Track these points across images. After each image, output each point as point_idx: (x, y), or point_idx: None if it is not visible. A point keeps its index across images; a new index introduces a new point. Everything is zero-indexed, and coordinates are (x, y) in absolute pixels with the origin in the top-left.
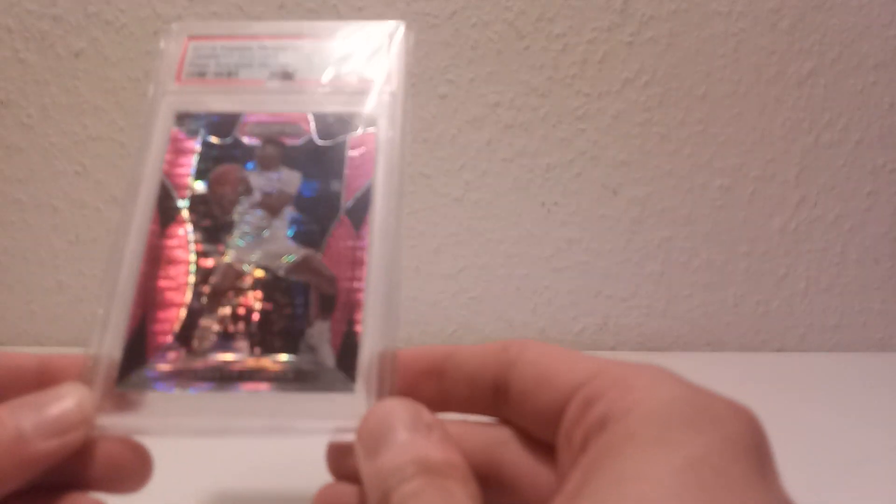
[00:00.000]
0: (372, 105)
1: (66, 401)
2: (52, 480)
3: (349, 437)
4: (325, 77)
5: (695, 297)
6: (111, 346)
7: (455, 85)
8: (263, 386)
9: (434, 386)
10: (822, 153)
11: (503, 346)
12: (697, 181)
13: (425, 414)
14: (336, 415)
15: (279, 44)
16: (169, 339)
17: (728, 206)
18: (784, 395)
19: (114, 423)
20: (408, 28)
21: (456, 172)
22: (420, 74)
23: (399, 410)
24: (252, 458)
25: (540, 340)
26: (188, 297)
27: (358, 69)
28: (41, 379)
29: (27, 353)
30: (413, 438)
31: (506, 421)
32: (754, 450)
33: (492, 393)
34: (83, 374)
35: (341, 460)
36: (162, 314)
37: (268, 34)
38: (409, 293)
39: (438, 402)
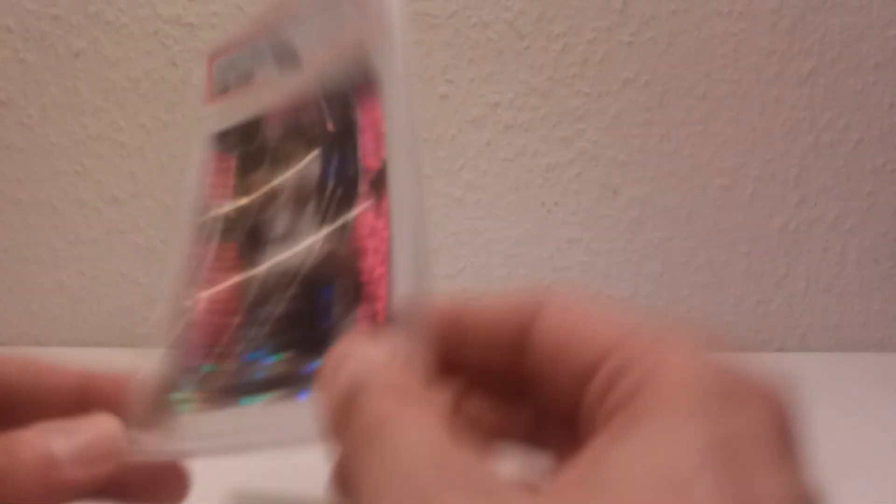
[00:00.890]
0: (374, 69)
1: (100, 429)
2: (94, 496)
3: None
4: (327, 47)
5: (695, 297)
6: (158, 365)
7: (455, 85)
8: (297, 395)
9: (448, 341)
10: (822, 153)
11: (526, 295)
12: (697, 181)
13: (421, 362)
14: None
15: (281, 24)
16: (212, 359)
17: (728, 206)
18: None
19: (155, 445)
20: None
21: (456, 172)
22: (420, 74)
23: (382, 345)
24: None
25: None
26: (232, 313)
27: (356, 36)
28: (81, 399)
29: (69, 367)
30: (394, 371)
31: (522, 393)
32: (781, 435)
33: (511, 351)
34: (127, 395)
35: None
36: (204, 333)
37: (267, 24)
38: None
39: (452, 360)
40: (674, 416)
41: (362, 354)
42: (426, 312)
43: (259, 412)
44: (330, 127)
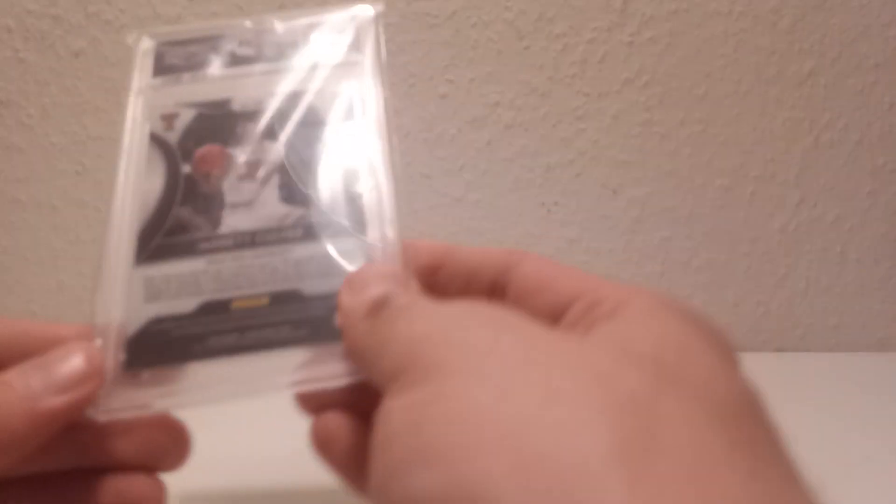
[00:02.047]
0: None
1: (74, 357)
2: (88, 462)
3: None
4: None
5: (695, 297)
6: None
7: (455, 85)
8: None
9: (431, 278)
10: (822, 153)
11: (506, 251)
12: (697, 181)
13: (414, 282)
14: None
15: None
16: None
17: (728, 206)
18: (784, 395)
19: (130, 398)
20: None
21: (456, 172)
22: (420, 74)
23: (389, 268)
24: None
25: None
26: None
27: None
28: (51, 345)
29: (60, 325)
30: (402, 285)
31: None
32: (734, 350)
33: (487, 291)
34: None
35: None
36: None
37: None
38: None
39: (431, 293)
40: (659, 317)
41: (381, 275)
42: (407, 252)
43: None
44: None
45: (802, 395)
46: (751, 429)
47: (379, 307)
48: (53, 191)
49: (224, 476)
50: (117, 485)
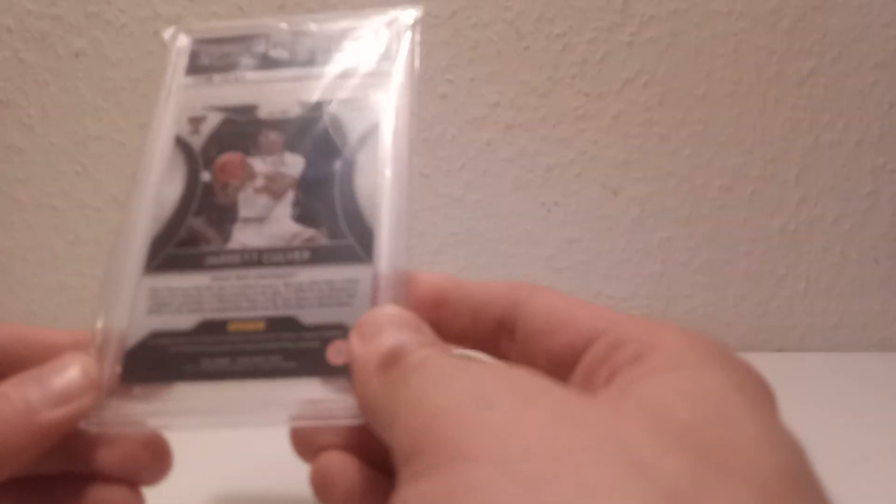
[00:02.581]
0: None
1: (70, 370)
2: (73, 468)
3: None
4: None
5: (695, 297)
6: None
7: (455, 85)
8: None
9: (436, 314)
10: (822, 153)
11: (513, 285)
12: (697, 181)
13: (427, 327)
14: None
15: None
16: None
17: (728, 206)
18: (784, 395)
19: (125, 414)
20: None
21: (456, 172)
22: (420, 74)
23: (402, 312)
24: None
25: None
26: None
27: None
28: (47, 353)
29: (58, 332)
30: (416, 331)
31: (502, 359)
32: (773, 395)
33: (494, 328)
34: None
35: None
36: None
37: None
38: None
39: (437, 331)
40: (692, 367)
41: (395, 320)
42: (410, 286)
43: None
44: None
45: (802, 395)
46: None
47: (392, 361)
48: (53, 191)
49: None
50: (98, 494)
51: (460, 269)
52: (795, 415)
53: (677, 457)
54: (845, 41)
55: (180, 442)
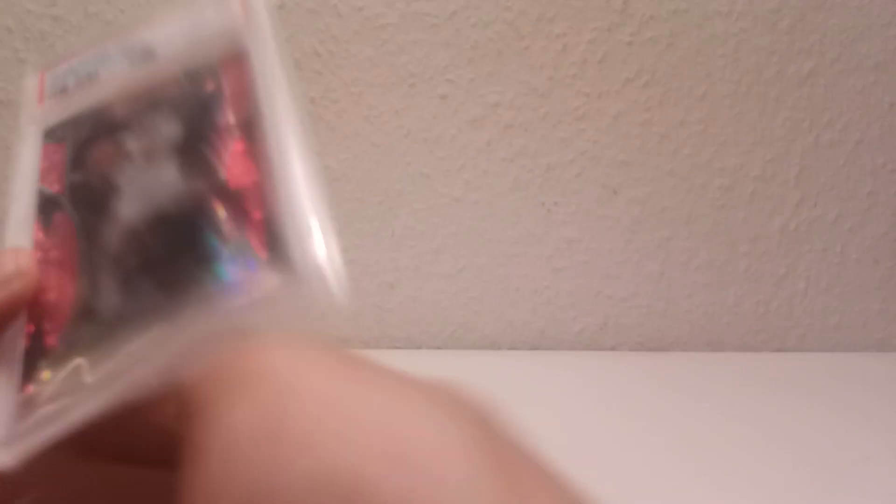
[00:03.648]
0: (233, 33)
1: (4, 261)
2: None
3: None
4: (186, 42)
5: (695, 297)
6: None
7: (455, 85)
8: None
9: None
10: (822, 153)
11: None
12: (697, 181)
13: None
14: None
15: (134, 34)
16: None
17: (728, 206)
18: (784, 395)
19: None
20: None
21: (456, 172)
22: (420, 74)
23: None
24: None
25: (540, 340)
26: (78, 284)
27: (218, 23)
28: None
29: None
30: None
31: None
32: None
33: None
34: None
35: None
36: (50, 318)
37: (118, 33)
38: (409, 293)
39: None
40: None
41: None
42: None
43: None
44: (186, 89)
45: (802, 395)
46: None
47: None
48: None
49: None
50: None
51: (460, 269)
52: (796, 415)
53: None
54: (845, 41)
55: None
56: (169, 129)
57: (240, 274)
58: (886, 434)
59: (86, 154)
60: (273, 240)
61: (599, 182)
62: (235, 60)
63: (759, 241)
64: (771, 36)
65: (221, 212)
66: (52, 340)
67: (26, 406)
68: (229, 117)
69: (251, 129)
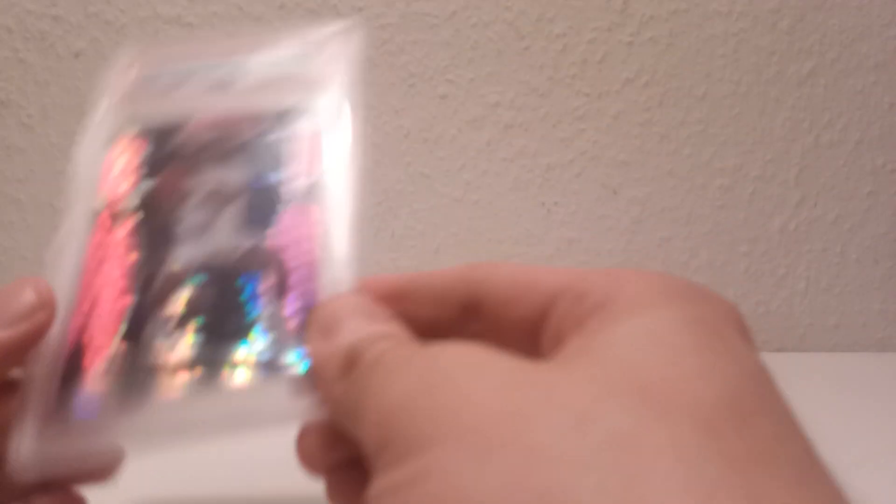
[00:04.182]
0: (318, 97)
1: (25, 292)
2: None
3: (314, 415)
4: (270, 80)
5: None
6: (50, 366)
7: (455, 85)
8: (223, 382)
9: (397, 309)
10: (822, 153)
11: (471, 266)
12: (697, 181)
13: (381, 309)
14: (299, 396)
15: (234, 53)
16: (108, 353)
17: (728, 206)
18: (784, 395)
19: (65, 453)
20: (356, 27)
21: (456, 172)
22: (420, 74)
23: (357, 300)
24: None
25: None
26: (128, 312)
27: (303, 68)
28: None
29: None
30: (374, 321)
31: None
32: (741, 324)
33: (460, 312)
34: (22, 397)
35: (311, 447)
36: (99, 325)
37: (214, 52)
38: None
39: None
40: (647, 307)
41: (349, 312)
42: (359, 290)
43: (195, 401)
44: (262, 140)
45: (802, 395)
46: (749, 433)
47: (351, 364)
48: (53, 191)
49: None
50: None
51: None
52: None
53: (619, 402)
54: (845, 41)
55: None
56: (240, 173)
57: (266, 369)
58: (886, 434)
59: (159, 169)
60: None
61: (599, 182)
62: (311, 116)
63: (759, 241)
64: (771, 36)
65: (266, 274)
66: (90, 361)
67: (57, 421)
68: (297, 177)
69: (313, 196)
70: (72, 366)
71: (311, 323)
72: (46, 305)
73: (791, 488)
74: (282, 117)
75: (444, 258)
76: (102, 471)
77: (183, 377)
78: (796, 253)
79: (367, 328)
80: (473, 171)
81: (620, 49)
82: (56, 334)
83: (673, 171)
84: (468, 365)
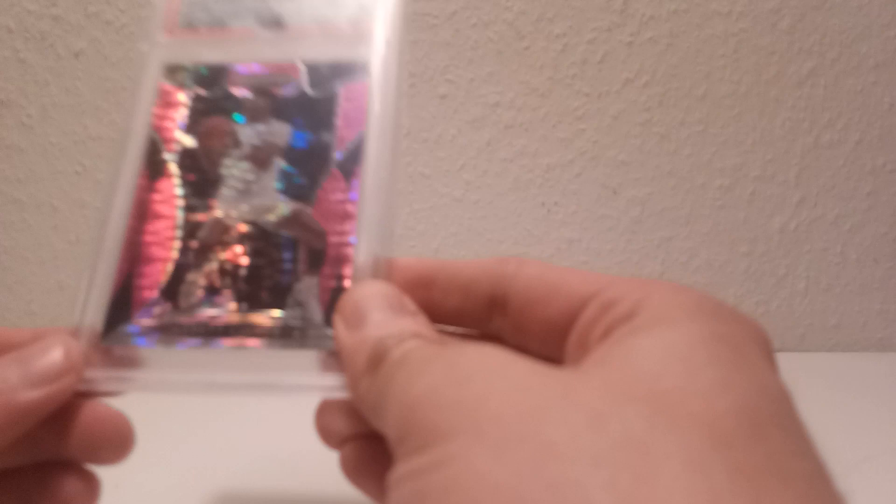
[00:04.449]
0: (365, 53)
1: (53, 351)
2: (36, 456)
3: (338, 395)
4: (318, 24)
5: None
6: (97, 302)
7: (455, 85)
8: (251, 342)
9: (423, 295)
10: (822, 153)
11: (501, 260)
12: (697, 181)
13: (408, 301)
14: (324, 371)
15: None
16: (154, 294)
17: (728, 206)
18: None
19: (98, 377)
20: None
21: (456, 172)
22: (420, 74)
23: (384, 290)
24: (254, 453)
25: None
26: (175, 252)
27: (352, 16)
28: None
29: (20, 329)
30: (400, 315)
31: (496, 335)
32: (766, 344)
33: (486, 305)
34: (71, 331)
35: (329, 420)
36: (147, 269)
37: None
38: None
39: (427, 312)
40: (672, 321)
41: (375, 303)
42: (390, 273)
43: (223, 355)
44: (307, 94)
45: (802, 395)
46: (761, 445)
47: (377, 361)
48: (53, 191)
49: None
50: (55, 482)
51: None
52: None
53: (634, 407)
54: (845, 41)
55: (179, 441)
56: (281, 133)
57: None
58: (886, 434)
59: (201, 122)
60: (333, 310)
61: (599, 182)
62: (358, 74)
63: (759, 241)
64: (771, 36)
65: (304, 243)
66: (145, 295)
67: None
68: (341, 141)
69: (354, 164)
70: (119, 304)
71: (339, 310)
72: (73, 370)
73: (799, 502)
74: (329, 70)
75: (443, 258)
76: (116, 449)
77: (216, 331)
78: (796, 253)
79: (393, 324)
80: (473, 171)
81: (620, 49)
82: (105, 273)
83: (673, 171)
84: (490, 366)
